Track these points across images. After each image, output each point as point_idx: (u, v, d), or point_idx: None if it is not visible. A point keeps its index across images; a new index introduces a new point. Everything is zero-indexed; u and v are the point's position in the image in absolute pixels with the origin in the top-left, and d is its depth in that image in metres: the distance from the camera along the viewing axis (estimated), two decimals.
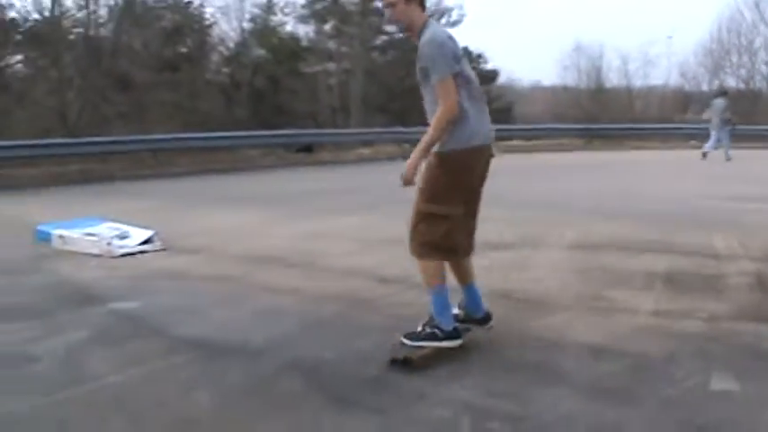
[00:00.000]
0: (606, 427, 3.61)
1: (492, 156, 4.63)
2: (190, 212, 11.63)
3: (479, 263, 7.18)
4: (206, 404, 3.98)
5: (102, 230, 8.55)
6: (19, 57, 25.34)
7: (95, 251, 8.09)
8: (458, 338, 4.57)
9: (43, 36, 23.74)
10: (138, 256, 8.02)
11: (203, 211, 11.77)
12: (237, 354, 4.76)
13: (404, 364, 4.31)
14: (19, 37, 24.31)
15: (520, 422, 3.66)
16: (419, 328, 4.62)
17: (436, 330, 4.54)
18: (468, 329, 4.76)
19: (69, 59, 24.21)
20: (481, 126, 4.50)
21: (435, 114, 4.32)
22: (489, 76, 37.31)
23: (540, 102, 40.31)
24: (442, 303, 4.57)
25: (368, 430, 3.63)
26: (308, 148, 24.32)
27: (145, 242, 8.33)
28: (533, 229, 9.11)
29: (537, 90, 43.25)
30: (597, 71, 36.60)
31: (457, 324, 4.64)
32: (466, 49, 35.92)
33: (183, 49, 28.52)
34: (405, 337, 4.58)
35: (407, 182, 4.42)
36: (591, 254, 7.69)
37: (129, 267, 7.50)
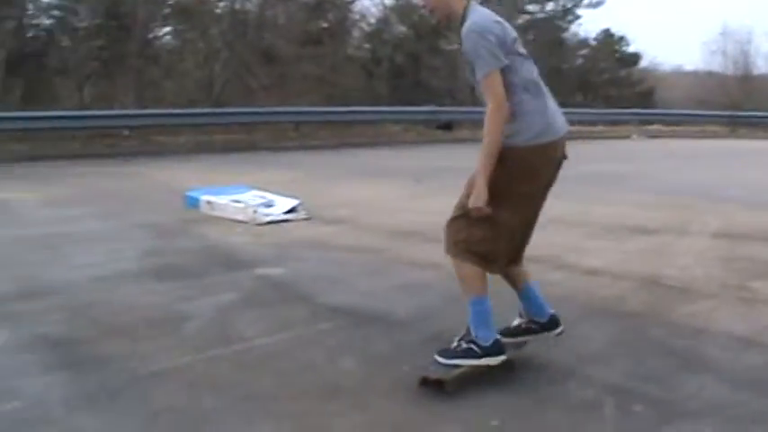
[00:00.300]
0: (751, 419, 3.51)
1: (565, 157, 3.92)
2: (332, 184, 11.84)
3: (625, 247, 7.16)
4: (352, 370, 4.06)
5: (248, 198, 8.80)
6: (168, 29, 26.14)
7: (241, 217, 8.34)
8: (500, 354, 3.87)
9: (191, 9, 24.42)
10: (283, 224, 8.23)
11: (345, 183, 12.00)
12: (382, 323, 4.84)
13: (436, 386, 3.77)
14: (167, 10, 25.04)
15: (664, 406, 3.61)
16: (454, 344, 3.96)
17: (473, 346, 3.86)
18: (523, 343, 4.20)
19: (216, 32, 24.85)
20: (548, 115, 3.83)
21: (486, 116, 3.68)
22: (631, 60, 36.56)
23: (682, 87, 39.11)
24: (481, 315, 3.86)
25: (520, 405, 3.63)
26: (447, 126, 24.27)
27: (289, 211, 8.53)
28: (678, 215, 8.92)
29: (678, 74, 41.95)
30: (745, 57, 35.37)
31: (498, 337, 3.92)
32: (607, 32, 35.28)
33: (325, 24, 28.84)
34: (438, 354, 3.95)
35: (480, 212, 3.70)
36: (736, 243, 7.48)
37: (273, 235, 7.70)
